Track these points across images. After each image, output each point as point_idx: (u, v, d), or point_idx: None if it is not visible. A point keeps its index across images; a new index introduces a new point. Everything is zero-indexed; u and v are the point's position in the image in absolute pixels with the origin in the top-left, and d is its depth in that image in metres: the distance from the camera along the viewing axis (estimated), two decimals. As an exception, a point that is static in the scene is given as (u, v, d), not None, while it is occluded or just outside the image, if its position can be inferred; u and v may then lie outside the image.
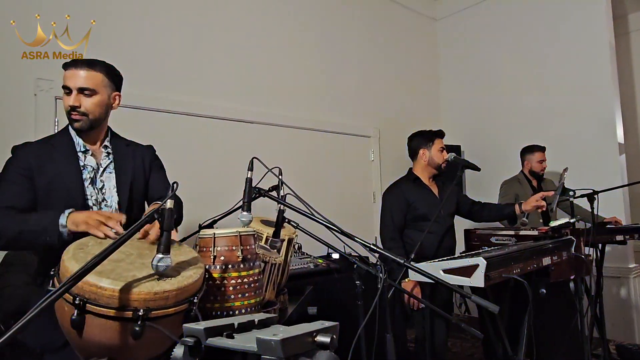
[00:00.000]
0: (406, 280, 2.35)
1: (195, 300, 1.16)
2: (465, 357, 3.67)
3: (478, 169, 2.53)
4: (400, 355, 1.57)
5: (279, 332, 0.66)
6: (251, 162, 1.45)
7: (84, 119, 1.58)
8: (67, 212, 1.38)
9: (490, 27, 4.83)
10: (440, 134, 2.73)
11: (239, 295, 1.40)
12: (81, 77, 1.56)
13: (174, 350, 0.70)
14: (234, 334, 0.74)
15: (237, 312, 1.39)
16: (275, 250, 1.74)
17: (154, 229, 1.33)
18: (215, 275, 1.39)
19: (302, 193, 1.53)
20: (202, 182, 3.02)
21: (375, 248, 1.39)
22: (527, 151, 3.75)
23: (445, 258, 1.92)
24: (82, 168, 1.61)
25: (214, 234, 1.42)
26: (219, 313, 1.38)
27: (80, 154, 1.63)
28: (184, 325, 0.75)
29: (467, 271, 1.66)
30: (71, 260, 1.11)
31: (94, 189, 1.62)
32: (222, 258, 1.41)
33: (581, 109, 4.09)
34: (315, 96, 3.95)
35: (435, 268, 1.72)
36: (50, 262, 1.24)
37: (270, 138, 3.55)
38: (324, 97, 4.01)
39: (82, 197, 1.58)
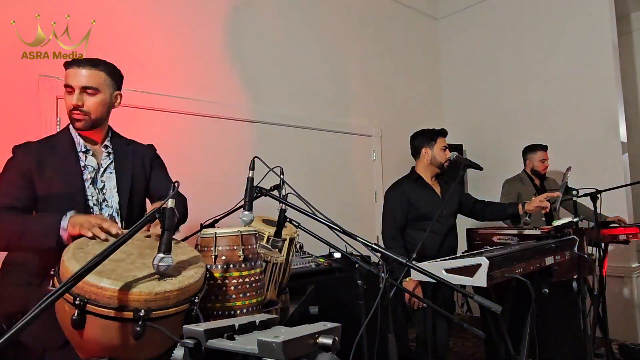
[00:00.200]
0: (408, 279, 2.35)
1: (196, 300, 1.15)
2: (467, 357, 3.66)
3: (480, 168, 2.53)
4: (402, 355, 1.57)
5: (280, 334, 0.65)
6: (252, 162, 1.45)
7: (86, 119, 1.58)
8: (68, 214, 1.37)
9: (491, 26, 4.81)
10: (442, 133, 2.72)
11: (241, 295, 1.39)
12: (84, 75, 1.55)
13: (173, 352, 0.70)
14: (234, 336, 0.73)
15: (238, 311, 1.38)
16: (277, 250, 1.73)
17: (156, 228, 1.32)
18: (217, 274, 1.38)
19: (303, 192, 1.52)
20: (204, 182, 3.01)
21: (377, 247, 1.38)
22: (529, 150, 3.74)
23: (447, 257, 1.91)
24: (83, 168, 1.60)
25: (215, 233, 1.42)
26: (220, 313, 1.37)
27: (81, 154, 1.62)
28: (183, 327, 0.75)
29: (470, 271, 1.65)
30: (71, 260, 1.10)
31: (94, 189, 1.61)
32: (223, 258, 1.40)
33: (584, 108, 4.08)
34: (317, 95, 3.94)
35: (438, 267, 1.71)
36: (50, 262, 1.23)
37: (271, 137, 3.54)
38: (325, 96, 4.00)
39: (83, 197, 1.57)
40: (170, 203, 1.11)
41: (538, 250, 2.05)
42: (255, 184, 1.46)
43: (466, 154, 4.77)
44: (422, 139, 2.71)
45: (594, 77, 4.02)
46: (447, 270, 1.70)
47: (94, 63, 1.58)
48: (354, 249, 1.61)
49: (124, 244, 1.03)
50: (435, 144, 2.67)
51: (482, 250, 2.22)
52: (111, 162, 1.68)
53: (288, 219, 1.59)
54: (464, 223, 3.00)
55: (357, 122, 4.24)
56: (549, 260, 2.08)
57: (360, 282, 1.55)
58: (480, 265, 1.63)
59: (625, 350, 3.48)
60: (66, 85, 1.56)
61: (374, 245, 1.38)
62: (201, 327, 0.72)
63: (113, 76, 1.64)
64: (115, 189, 1.65)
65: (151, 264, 1.09)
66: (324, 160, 3.93)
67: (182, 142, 3.02)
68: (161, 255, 1.09)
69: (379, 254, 1.51)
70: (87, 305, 1.03)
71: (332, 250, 1.96)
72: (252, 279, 1.43)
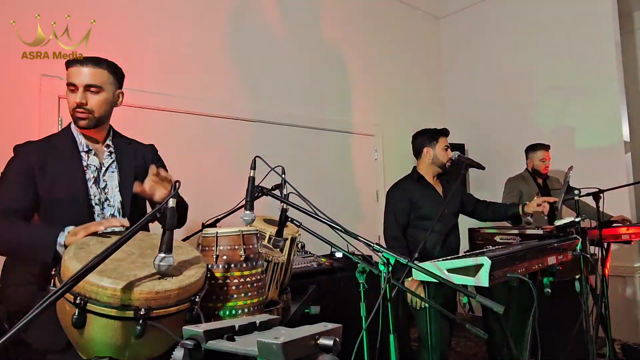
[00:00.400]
0: (410, 279, 2.34)
1: (197, 300, 1.15)
2: (469, 357, 3.65)
3: (482, 168, 2.52)
4: (404, 355, 1.56)
5: (280, 335, 0.65)
6: (254, 161, 1.44)
7: (90, 117, 1.57)
8: (66, 230, 1.33)
9: (493, 25, 4.80)
10: (444, 133, 2.71)
11: (242, 295, 1.39)
12: (87, 74, 1.55)
13: (173, 352, 0.69)
14: (234, 337, 0.73)
15: (239, 311, 1.38)
16: (278, 249, 1.73)
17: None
18: (218, 274, 1.38)
19: (305, 192, 1.52)
20: (205, 181, 3.01)
21: (378, 247, 1.38)
22: (530, 149, 3.74)
23: (449, 257, 1.90)
24: (85, 168, 1.60)
25: (217, 232, 1.42)
26: (221, 312, 1.37)
27: (83, 154, 1.62)
28: (183, 327, 0.74)
29: (472, 270, 1.65)
30: (72, 260, 1.10)
31: (97, 188, 1.61)
32: (224, 257, 1.40)
33: (587, 107, 4.06)
34: (319, 94, 3.94)
35: (440, 267, 1.70)
36: (51, 261, 1.23)
37: (273, 136, 3.54)
38: (327, 95, 4.00)
39: (85, 197, 1.57)
40: (171, 202, 1.11)
41: (540, 250, 2.04)
42: (256, 184, 1.46)
43: (468, 154, 4.76)
44: (424, 138, 2.70)
45: (597, 75, 4.01)
46: (449, 270, 1.69)
47: (96, 61, 1.58)
48: (356, 248, 1.60)
49: (124, 243, 1.03)
50: (437, 144, 2.66)
51: (484, 250, 2.21)
52: (113, 161, 1.68)
53: (289, 219, 1.59)
54: (466, 223, 2.99)
55: (359, 121, 4.23)
56: (552, 260, 2.07)
57: (361, 281, 1.55)
58: (482, 265, 1.62)
59: (627, 350, 3.47)
60: (69, 84, 1.56)
61: (375, 245, 1.38)
62: (201, 328, 0.72)
63: (115, 74, 1.64)
64: (117, 188, 1.65)
65: (152, 263, 1.09)
66: (326, 160, 3.93)
67: (182, 141, 3.02)
68: (162, 254, 1.08)
69: (380, 254, 1.50)
70: (88, 304, 1.02)
71: (333, 249, 1.96)
72: (254, 278, 1.43)
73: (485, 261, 1.62)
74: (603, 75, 3.98)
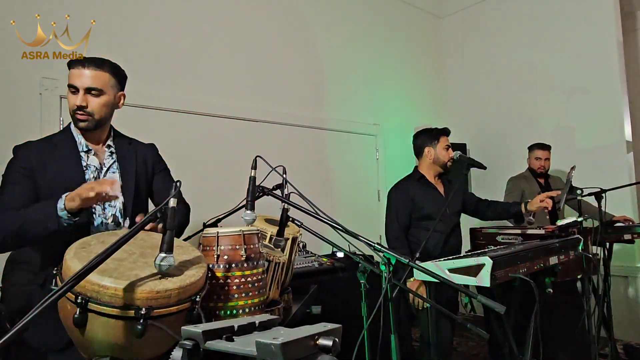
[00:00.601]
0: (411, 279, 2.33)
1: (197, 299, 1.15)
2: (471, 357, 3.64)
3: (484, 167, 2.51)
4: (405, 355, 1.56)
5: (279, 336, 0.64)
6: (255, 161, 1.44)
7: (90, 119, 1.57)
8: (63, 196, 1.37)
9: (495, 24, 4.79)
10: (445, 132, 2.71)
11: (243, 295, 1.39)
12: (89, 76, 1.54)
13: (172, 353, 0.69)
14: (233, 337, 0.72)
15: (240, 311, 1.38)
16: (279, 249, 1.73)
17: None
18: (219, 274, 1.38)
19: (306, 192, 1.52)
20: (206, 181, 3.01)
21: (379, 247, 1.37)
22: (529, 148, 3.75)
23: (450, 257, 1.90)
24: (84, 168, 1.60)
25: (218, 232, 1.41)
26: (222, 312, 1.37)
27: (82, 154, 1.62)
28: (182, 328, 0.74)
29: (473, 270, 1.64)
30: (73, 259, 1.10)
31: (97, 188, 1.61)
32: (225, 257, 1.40)
33: (589, 107, 4.05)
34: (320, 94, 3.94)
35: (441, 267, 1.70)
36: (53, 261, 1.23)
37: (274, 136, 3.54)
38: (328, 95, 4.00)
39: None
40: (172, 202, 1.11)
41: (542, 250, 2.03)
42: (257, 184, 1.45)
43: (470, 153, 4.75)
44: (425, 138, 2.70)
45: (599, 75, 4.00)
46: (451, 270, 1.69)
47: (98, 63, 1.57)
48: (357, 248, 1.60)
49: (125, 243, 1.03)
50: (438, 143, 2.65)
51: (486, 250, 2.21)
52: (114, 161, 1.68)
53: (290, 219, 1.59)
54: (467, 222, 2.99)
55: (360, 121, 4.23)
56: (553, 260, 2.06)
57: (363, 281, 1.55)
58: (484, 265, 1.62)
59: (630, 350, 3.46)
60: (70, 85, 1.55)
61: (376, 245, 1.38)
62: (199, 328, 0.71)
63: (117, 77, 1.64)
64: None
65: (153, 263, 1.09)
66: (327, 160, 3.93)
67: (183, 141, 3.03)
68: (163, 254, 1.08)
69: (381, 254, 1.50)
70: (89, 303, 1.03)
71: (334, 249, 1.96)
72: (255, 278, 1.42)
73: (487, 261, 1.61)
74: (605, 75, 3.96)
